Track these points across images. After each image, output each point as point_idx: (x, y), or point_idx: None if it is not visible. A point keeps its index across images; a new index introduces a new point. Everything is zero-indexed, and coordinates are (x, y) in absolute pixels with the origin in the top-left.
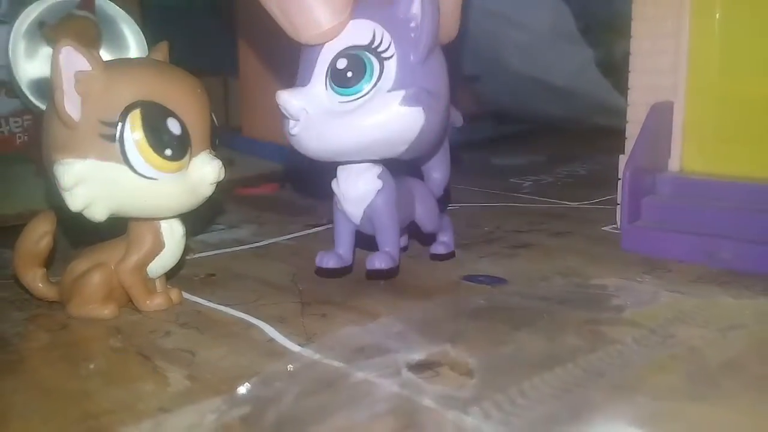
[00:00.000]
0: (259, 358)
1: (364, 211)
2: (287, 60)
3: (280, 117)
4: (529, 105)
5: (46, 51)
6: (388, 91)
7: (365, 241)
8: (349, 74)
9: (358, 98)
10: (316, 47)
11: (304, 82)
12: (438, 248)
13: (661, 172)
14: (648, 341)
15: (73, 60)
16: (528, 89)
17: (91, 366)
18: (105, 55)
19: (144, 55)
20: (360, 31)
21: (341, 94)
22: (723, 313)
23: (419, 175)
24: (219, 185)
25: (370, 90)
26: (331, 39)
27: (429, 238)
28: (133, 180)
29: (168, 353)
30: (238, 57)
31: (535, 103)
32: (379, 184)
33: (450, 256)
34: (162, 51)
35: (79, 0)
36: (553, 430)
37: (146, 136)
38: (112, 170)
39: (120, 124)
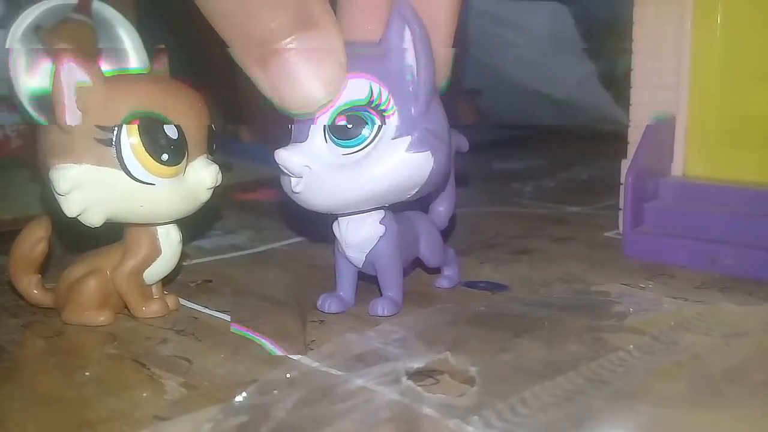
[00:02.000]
0: (256, 365)
1: (366, 256)
2: None
3: (279, 174)
4: (530, 118)
5: (46, 64)
6: (393, 138)
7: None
8: (350, 126)
9: (361, 149)
10: None
11: (302, 138)
12: (442, 282)
13: (664, 177)
14: (651, 348)
15: (73, 74)
16: (529, 102)
17: (87, 373)
18: (105, 66)
19: (142, 59)
20: (357, 88)
21: (343, 146)
22: (726, 320)
23: (424, 207)
24: (216, 190)
25: (374, 139)
26: (319, 114)
27: (433, 270)
28: (130, 185)
29: (164, 360)
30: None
31: (536, 116)
32: (381, 230)
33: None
34: (162, 62)
35: (75, 4)
36: None
37: (143, 140)
38: (108, 175)
39: (116, 128)
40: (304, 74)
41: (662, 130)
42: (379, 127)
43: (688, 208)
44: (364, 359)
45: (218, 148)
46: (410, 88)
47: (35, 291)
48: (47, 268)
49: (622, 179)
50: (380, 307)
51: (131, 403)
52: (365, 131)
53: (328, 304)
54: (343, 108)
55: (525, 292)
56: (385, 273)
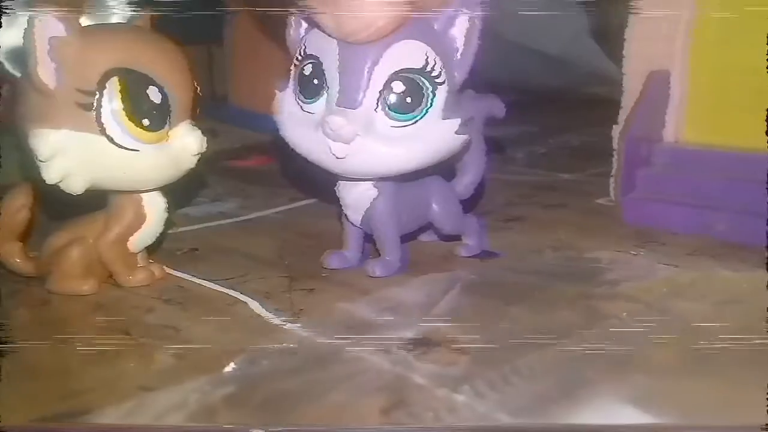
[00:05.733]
0: (245, 335)
1: (363, 217)
2: (280, 26)
3: (318, 135)
4: (522, 75)
5: (24, 18)
6: (443, 118)
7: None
8: (409, 99)
9: (412, 123)
10: (364, 62)
11: (354, 104)
12: (459, 250)
13: (657, 142)
14: (643, 316)
15: (48, 25)
16: (521, 59)
17: (72, 343)
18: (85, 21)
19: (125, 22)
20: (413, 53)
21: (397, 119)
22: (719, 286)
23: (447, 173)
24: (203, 157)
25: (424, 116)
26: (380, 38)
27: (451, 238)
28: (112, 151)
29: (151, 330)
30: (227, 23)
31: (528, 74)
32: (374, 192)
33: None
34: (143, 17)
35: None
36: (546, 408)
37: (125, 105)
38: (90, 141)
39: (97, 92)
40: None
41: (655, 96)
42: (431, 103)
43: (681, 173)
44: (354, 328)
45: (204, 112)
46: (456, 57)
47: (17, 259)
48: (30, 236)
49: (614, 145)
50: (371, 267)
51: (117, 373)
52: (421, 108)
53: (328, 260)
54: (399, 71)
55: (516, 260)
56: (379, 234)
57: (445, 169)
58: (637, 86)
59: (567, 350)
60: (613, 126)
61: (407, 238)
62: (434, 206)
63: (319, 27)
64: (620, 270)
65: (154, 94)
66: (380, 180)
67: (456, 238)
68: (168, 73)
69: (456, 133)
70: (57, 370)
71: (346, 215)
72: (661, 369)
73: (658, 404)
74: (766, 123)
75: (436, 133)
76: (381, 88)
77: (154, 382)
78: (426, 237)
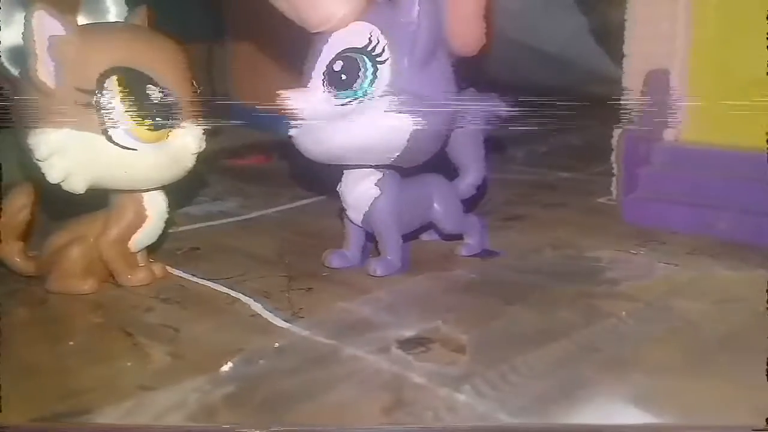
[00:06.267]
0: (244, 334)
1: (364, 216)
2: (280, 25)
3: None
4: (522, 74)
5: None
6: (380, 96)
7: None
8: (343, 77)
9: (352, 101)
10: (319, 45)
11: (306, 82)
12: (460, 249)
13: (657, 141)
14: (644, 315)
15: (46, 24)
16: (521, 58)
17: (72, 342)
18: (82, 19)
19: (122, 20)
20: (358, 33)
21: (337, 97)
22: (719, 285)
23: (451, 172)
24: (203, 156)
25: (365, 92)
26: (342, 27)
27: (452, 237)
28: (111, 150)
29: (150, 329)
30: (227, 22)
31: (528, 72)
32: (375, 191)
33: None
34: (141, 16)
35: None
36: (546, 407)
37: (124, 103)
38: (89, 140)
39: (97, 91)
40: None
41: (656, 95)
42: (371, 82)
43: (682, 172)
44: (354, 328)
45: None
46: (409, 39)
47: (18, 258)
48: (31, 235)
49: (615, 144)
50: (372, 267)
51: (116, 372)
52: (360, 87)
53: (329, 259)
54: (343, 51)
55: (516, 259)
56: (381, 234)
57: (446, 168)
58: (636, 85)
59: (567, 349)
60: (614, 125)
61: (408, 237)
62: (435, 205)
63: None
64: (620, 269)
65: (152, 93)
66: (380, 180)
67: (457, 237)
68: (167, 71)
69: (386, 110)
70: (56, 369)
71: (347, 214)
72: (661, 368)
73: (657, 404)
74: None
75: (368, 111)
76: (325, 67)
77: (154, 381)
78: (427, 236)
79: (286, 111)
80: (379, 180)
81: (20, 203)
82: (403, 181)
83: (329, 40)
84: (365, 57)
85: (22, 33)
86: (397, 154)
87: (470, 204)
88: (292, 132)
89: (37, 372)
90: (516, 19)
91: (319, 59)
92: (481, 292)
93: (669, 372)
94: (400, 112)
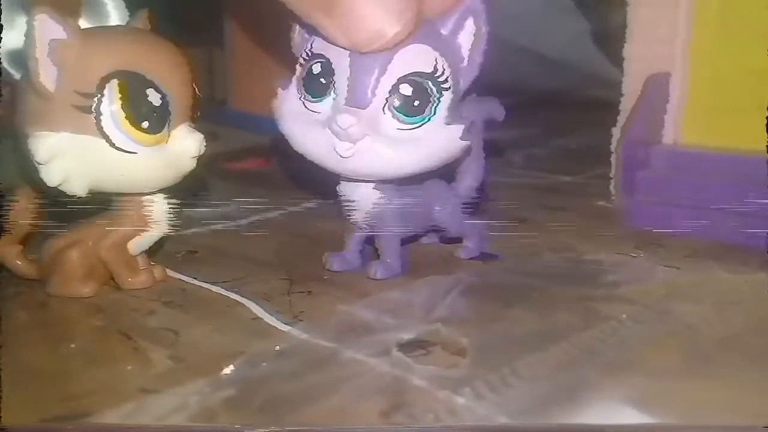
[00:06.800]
0: (244, 337)
1: (366, 218)
2: (281, 30)
3: (322, 134)
4: (522, 77)
5: (24, 20)
6: (447, 123)
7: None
8: (417, 103)
9: (417, 127)
10: (375, 64)
11: (362, 104)
12: (460, 252)
13: (656, 144)
14: (643, 318)
15: (48, 28)
16: (521, 61)
17: (72, 346)
18: (84, 23)
19: (124, 24)
20: (423, 58)
21: (404, 122)
22: (719, 288)
23: (450, 176)
24: (203, 159)
25: (430, 120)
26: (392, 47)
27: (451, 240)
28: (111, 153)
29: (151, 332)
30: (227, 26)
31: (527, 75)
32: (376, 194)
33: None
34: (142, 20)
35: None
36: (546, 410)
37: (124, 107)
38: (89, 144)
39: (96, 95)
40: (371, 8)
41: (655, 98)
42: (437, 107)
43: (681, 176)
44: (354, 331)
45: (203, 114)
46: (462, 64)
47: (18, 262)
48: (31, 238)
49: (614, 147)
50: (372, 270)
51: (117, 376)
52: (427, 112)
53: (329, 262)
54: (408, 75)
55: (516, 262)
56: (381, 237)
57: (445, 172)
58: (636, 89)
59: (567, 352)
60: (613, 128)
61: (408, 240)
62: (437, 209)
63: (326, 39)
64: (620, 272)
65: (153, 97)
66: (381, 182)
67: (456, 240)
68: (168, 75)
69: (460, 138)
70: (57, 372)
71: (347, 217)
72: (661, 371)
73: (658, 406)
74: (765, 125)
75: (439, 138)
76: (389, 90)
77: (154, 384)
78: (426, 239)
79: (346, 134)
80: (379, 183)
81: (20, 206)
82: (404, 184)
83: (392, 60)
84: (431, 83)
85: (24, 36)
86: (441, 165)
87: (470, 207)
88: (345, 153)
89: (37, 375)
90: (516, 22)
91: (380, 81)
92: (481, 295)
93: (669, 375)
94: (467, 139)
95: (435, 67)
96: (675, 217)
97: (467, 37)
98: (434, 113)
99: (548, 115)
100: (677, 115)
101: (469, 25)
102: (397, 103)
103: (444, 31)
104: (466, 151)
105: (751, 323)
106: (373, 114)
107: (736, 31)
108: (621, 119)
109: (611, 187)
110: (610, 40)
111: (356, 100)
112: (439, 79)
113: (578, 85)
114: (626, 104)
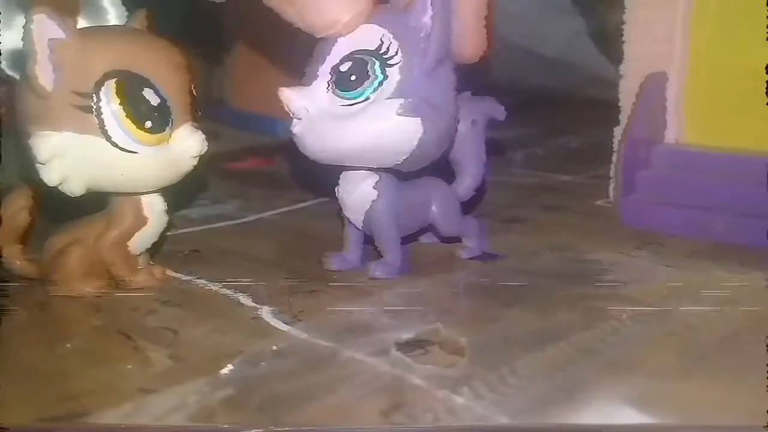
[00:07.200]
0: (244, 337)
1: (363, 219)
2: (283, 29)
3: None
4: (520, 77)
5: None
6: (387, 98)
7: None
8: (353, 77)
9: (359, 102)
10: (326, 47)
11: (309, 81)
12: (459, 252)
13: (657, 144)
14: (643, 318)
15: (47, 27)
16: (519, 60)
17: (70, 345)
18: (82, 23)
19: (120, 14)
20: (369, 36)
21: (343, 97)
22: (718, 288)
23: (450, 174)
24: (203, 159)
25: (371, 95)
26: (347, 33)
27: (452, 240)
28: (111, 153)
29: (150, 332)
30: (230, 26)
31: (526, 75)
32: (374, 194)
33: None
34: (141, 19)
35: None
36: (545, 410)
37: (123, 107)
38: (90, 143)
39: (96, 94)
40: None
41: (655, 98)
42: (380, 83)
43: (681, 175)
44: (353, 330)
45: (204, 114)
46: (421, 45)
47: (18, 261)
48: (30, 238)
49: (614, 147)
50: (371, 269)
51: (116, 375)
52: (368, 87)
53: (329, 262)
54: (352, 53)
55: (516, 262)
56: (380, 237)
57: (445, 171)
58: (635, 88)
59: (566, 352)
60: (614, 128)
61: (408, 239)
62: (434, 208)
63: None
64: (620, 271)
65: (151, 96)
66: (378, 183)
67: (456, 240)
68: (166, 74)
69: (397, 112)
70: (56, 372)
71: (346, 217)
72: (661, 370)
73: (658, 406)
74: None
75: (378, 113)
76: (331, 68)
77: (154, 384)
78: (426, 239)
79: (288, 109)
80: (377, 182)
81: (18, 205)
82: (401, 183)
83: (338, 41)
84: (374, 59)
85: (22, 36)
86: (404, 157)
87: (469, 206)
88: (294, 130)
89: (36, 374)
90: (515, 22)
91: (326, 61)
92: (481, 295)
93: (669, 374)
94: (409, 115)
95: (381, 42)
96: (675, 217)
97: (428, 14)
98: (376, 88)
99: (548, 114)
100: (678, 115)
101: (431, 5)
102: (335, 78)
103: (409, 15)
104: (466, 151)
105: (750, 323)
106: (318, 91)
107: (735, 30)
108: (621, 119)
109: (611, 187)
110: (608, 39)
111: (306, 78)
112: (385, 56)
113: (577, 85)
114: (626, 104)
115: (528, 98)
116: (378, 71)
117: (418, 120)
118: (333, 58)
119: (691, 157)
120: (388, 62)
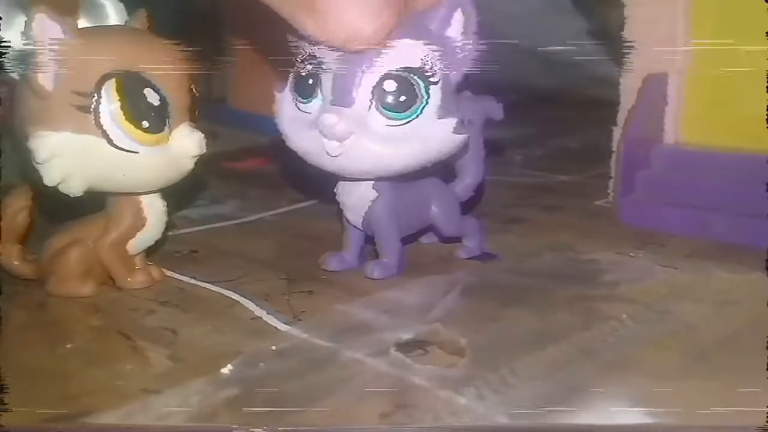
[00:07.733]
0: (243, 337)
1: (363, 219)
2: (283, 29)
3: (314, 135)
4: (520, 76)
5: (22, 19)
6: (439, 117)
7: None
8: (403, 98)
9: (406, 122)
10: (357, 64)
11: (347, 102)
12: (459, 252)
13: (656, 144)
14: (643, 318)
15: (47, 27)
16: (519, 59)
17: (70, 346)
18: (82, 23)
19: (120, 14)
20: (409, 52)
21: (391, 118)
22: (718, 288)
23: (450, 175)
24: (202, 159)
25: (419, 115)
26: (374, 46)
27: (452, 240)
28: (111, 153)
29: (149, 332)
30: (229, 26)
31: (526, 74)
32: (373, 194)
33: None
34: (141, 20)
35: None
36: (545, 410)
37: (123, 107)
38: (89, 143)
39: (95, 94)
40: (349, 7)
41: (654, 98)
42: (427, 102)
43: (680, 175)
44: (352, 330)
45: (203, 114)
46: (455, 56)
47: (17, 262)
48: (29, 238)
49: (614, 146)
50: (370, 269)
51: (116, 375)
52: (415, 107)
53: (327, 262)
54: (393, 70)
55: (515, 262)
56: (379, 237)
57: (444, 171)
58: (635, 88)
59: (566, 352)
60: (613, 128)
61: (407, 240)
62: (434, 208)
63: (308, 39)
64: (619, 272)
65: (151, 96)
66: (378, 180)
67: (455, 240)
68: (165, 75)
69: (453, 132)
70: (56, 372)
71: (345, 217)
72: (661, 370)
73: (658, 406)
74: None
75: (431, 133)
76: (373, 87)
77: (154, 384)
78: (425, 239)
79: (332, 134)
80: (376, 182)
81: (18, 206)
82: (400, 183)
83: (373, 57)
84: (418, 78)
85: (22, 36)
86: (437, 161)
87: (468, 206)
88: (334, 152)
89: (36, 375)
90: (515, 22)
91: (365, 77)
92: (480, 295)
93: (668, 374)
94: (462, 133)
95: (422, 61)
96: (674, 217)
97: (457, 29)
98: (424, 107)
99: (547, 114)
100: (677, 115)
101: (458, 16)
102: (382, 99)
103: (432, 25)
104: (465, 150)
105: (750, 322)
106: (359, 112)
107: (735, 30)
108: (621, 118)
109: (611, 187)
110: (608, 39)
111: (339, 99)
112: (426, 73)
113: (577, 85)
114: (625, 103)
115: (528, 98)
116: (423, 92)
117: (466, 136)
118: (373, 76)
119: (690, 157)
120: (430, 80)
